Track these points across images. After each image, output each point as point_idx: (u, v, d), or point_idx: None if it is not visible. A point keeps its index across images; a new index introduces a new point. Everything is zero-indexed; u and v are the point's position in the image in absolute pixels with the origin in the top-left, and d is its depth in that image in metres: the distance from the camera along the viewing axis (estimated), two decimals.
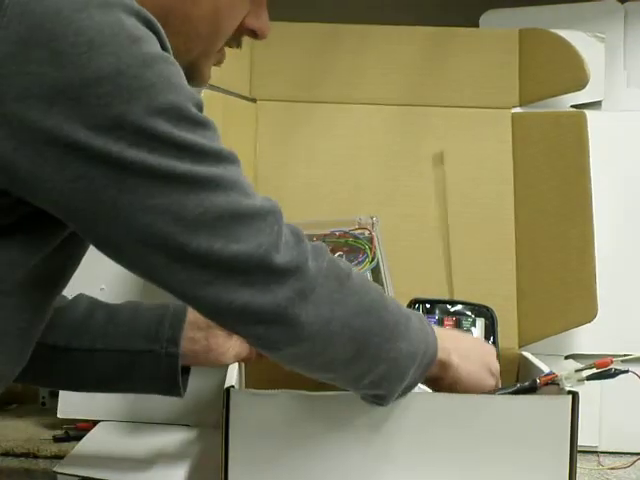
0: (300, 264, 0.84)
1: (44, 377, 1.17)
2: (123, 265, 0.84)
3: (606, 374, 1.08)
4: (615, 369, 1.08)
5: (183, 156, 0.80)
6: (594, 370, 1.08)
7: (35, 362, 1.12)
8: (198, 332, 1.15)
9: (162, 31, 0.83)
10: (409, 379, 0.97)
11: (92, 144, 0.77)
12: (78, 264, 0.96)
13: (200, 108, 0.83)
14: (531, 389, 1.08)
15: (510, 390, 1.08)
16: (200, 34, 0.94)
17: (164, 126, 0.79)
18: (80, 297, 1.18)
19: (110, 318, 1.15)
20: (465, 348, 1.05)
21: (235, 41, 1.00)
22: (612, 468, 1.30)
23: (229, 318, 0.86)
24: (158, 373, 1.14)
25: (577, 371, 1.07)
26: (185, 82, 0.83)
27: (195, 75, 0.97)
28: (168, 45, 0.84)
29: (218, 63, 1.01)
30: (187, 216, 0.80)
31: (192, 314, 1.16)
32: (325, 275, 0.86)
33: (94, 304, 1.17)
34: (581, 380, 1.06)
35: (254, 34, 1.00)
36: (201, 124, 0.81)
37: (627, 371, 1.09)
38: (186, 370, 1.17)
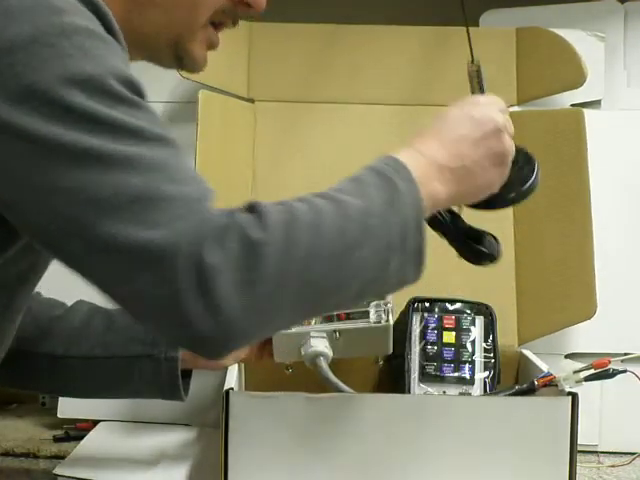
0: (201, 260, 0.74)
1: (41, 385, 1.18)
2: (50, 253, 0.79)
3: (604, 374, 1.08)
4: (613, 369, 1.08)
5: (98, 131, 0.74)
6: (592, 371, 1.08)
7: (31, 370, 1.12)
8: None
9: (104, 9, 0.79)
10: (395, 263, 0.85)
11: (4, 116, 0.73)
12: (43, 271, 0.94)
13: (132, 87, 0.77)
14: (529, 391, 1.08)
15: (508, 393, 1.09)
16: (180, 3, 0.89)
17: (78, 97, 0.74)
18: (79, 304, 1.18)
19: (108, 324, 1.15)
20: (460, 166, 0.92)
21: (229, 16, 0.94)
22: (612, 466, 1.30)
23: (142, 318, 0.79)
24: (158, 377, 1.14)
25: (575, 372, 1.07)
26: (116, 59, 0.78)
27: (184, 56, 0.93)
28: (114, 26, 0.80)
29: (211, 46, 0.95)
30: (99, 197, 0.73)
31: None
32: (235, 257, 0.75)
33: (92, 310, 1.17)
34: (579, 381, 1.07)
35: (247, 6, 0.93)
36: (125, 101, 0.76)
37: (625, 371, 1.10)
38: (187, 373, 1.17)
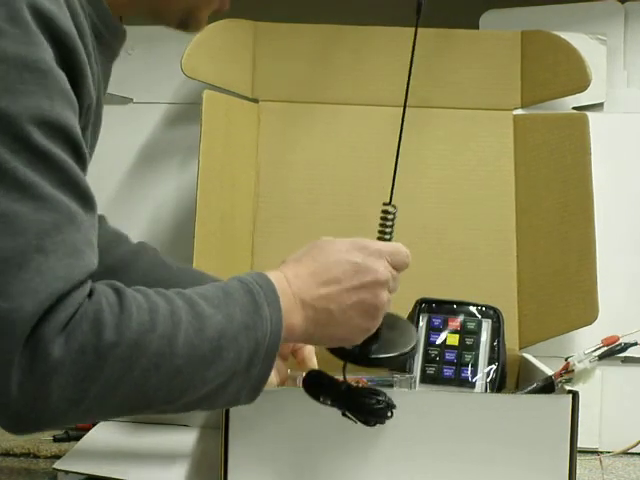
0: (40, 345, 0.71)
1: None
2: None
3: (616, 349, 1.09)
4: (625, 343, 1.09)
5: None
6: (604, 349, 1.08)
7: None
8: None
9: (64, 28, 0.75)
10: (235, 386, 0.84)
11: None
12: None
13: (54, 132, 0.73)
14: (549, 387, 1.08)
15: (527, 391, 1.09)
16: None
17: None
18: None
19: None
20: (324, 308, 0.88)
21: None
22: (613, 458, 1.31)
23: None
24: None
25: (587, 353, 1.07)
26: (48, 98, 0.73)
27: (190, 21, 0.93)
28: (75, 49, 0.76)
29: (220, 9, 0.94)
30: None
31: None
32: (79, 352, 0.72)
33: None
34: (593, 360, 1.07)
35: None
36: (31, 149, 0.72)
37: (636, 343, 1.11)
38: None
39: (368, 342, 0.92)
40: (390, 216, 0.96)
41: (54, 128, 0.74)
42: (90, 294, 0.75)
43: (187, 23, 0.94)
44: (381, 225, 0.95)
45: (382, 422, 0.93)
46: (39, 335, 0.71)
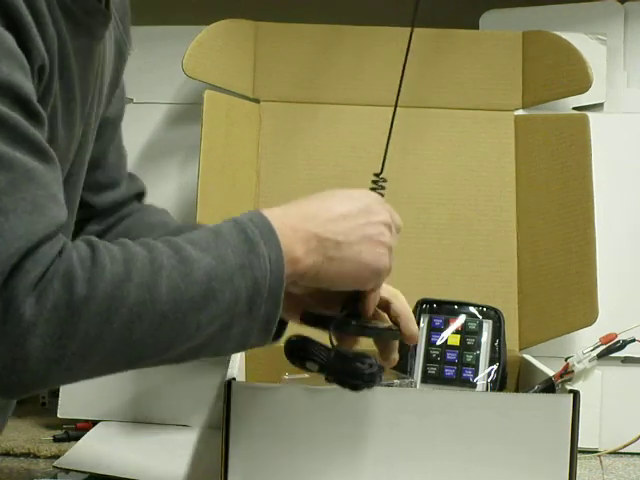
0: (11, 306, 0.71)
1: None
2: None
3: (614, 347, 1.09)
4: (623, 340, 1.09)
5: None
6: (602, 348, 1.08)
7: None
8: None
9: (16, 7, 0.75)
10: (240, 329, 0.82)
11: None
12: None
13: (2, 90, 0.73)
14: (549, 388, 1.08)
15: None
16: None
17: None
18: None
19: None
20: (331, 238, 0.86)
21: None
22: (612, 454, 1.32)
23: None
24: None
25: (585, 352, 1.08)
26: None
27: None
28: (21, 18, 0.76)
29: None
30: None
31: None
32: (52, 310, 0.72)
33: None
34: (592, 359, 1.07)
35: None
36: None
37: (634, 340, 1.10)
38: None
39: (351, 314, 0.91)
40: (377, 186, 0.95)
41: (0, 88, 0.73)
42: (62, 251, 0.74)
43: None
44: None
45: (370, 387, 0.90)
46: (9, 296, 0.70)
